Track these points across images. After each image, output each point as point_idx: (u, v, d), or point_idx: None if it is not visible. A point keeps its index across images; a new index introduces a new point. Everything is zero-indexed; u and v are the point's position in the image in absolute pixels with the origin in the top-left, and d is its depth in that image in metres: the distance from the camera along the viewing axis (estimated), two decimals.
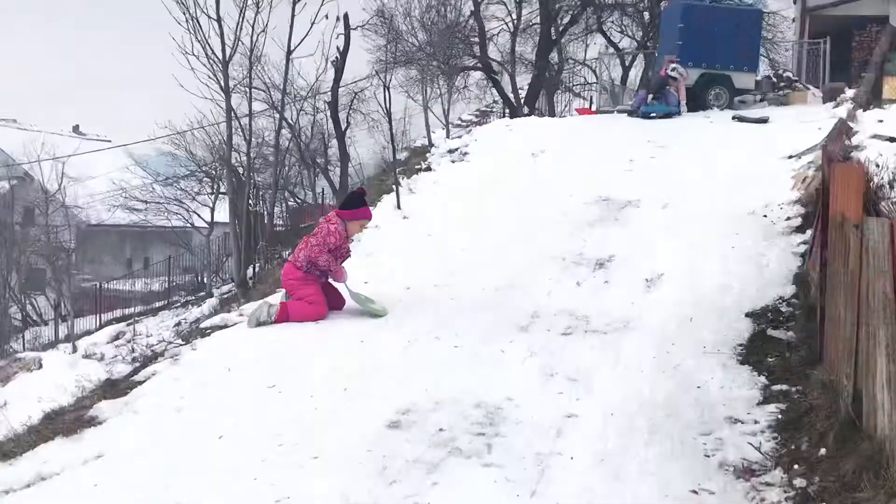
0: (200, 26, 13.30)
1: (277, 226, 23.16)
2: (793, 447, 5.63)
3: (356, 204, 9.68)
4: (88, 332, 20.76)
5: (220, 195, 30.64)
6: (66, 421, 7.14)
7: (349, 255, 9.61)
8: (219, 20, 13.28)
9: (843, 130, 9.95)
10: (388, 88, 17.36)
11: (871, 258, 5.00)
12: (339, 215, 9.53)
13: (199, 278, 31.10)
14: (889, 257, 4.59)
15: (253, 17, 13.60)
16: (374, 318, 8.94)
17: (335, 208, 10.13)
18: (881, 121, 9.76)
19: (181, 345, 8.96)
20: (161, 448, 6.20)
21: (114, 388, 7.95)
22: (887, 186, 6.51)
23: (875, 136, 8.88)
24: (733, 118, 19.31)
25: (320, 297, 9.13)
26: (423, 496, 5.21)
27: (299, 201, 26.64)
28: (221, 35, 13.35)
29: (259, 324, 8.87)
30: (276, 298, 9.36)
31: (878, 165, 7.22)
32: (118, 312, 27.17)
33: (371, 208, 10.13)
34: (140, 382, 7.72)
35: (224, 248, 30.02)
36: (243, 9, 13.44)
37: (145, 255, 40.13)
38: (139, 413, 6.92)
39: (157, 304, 26.73)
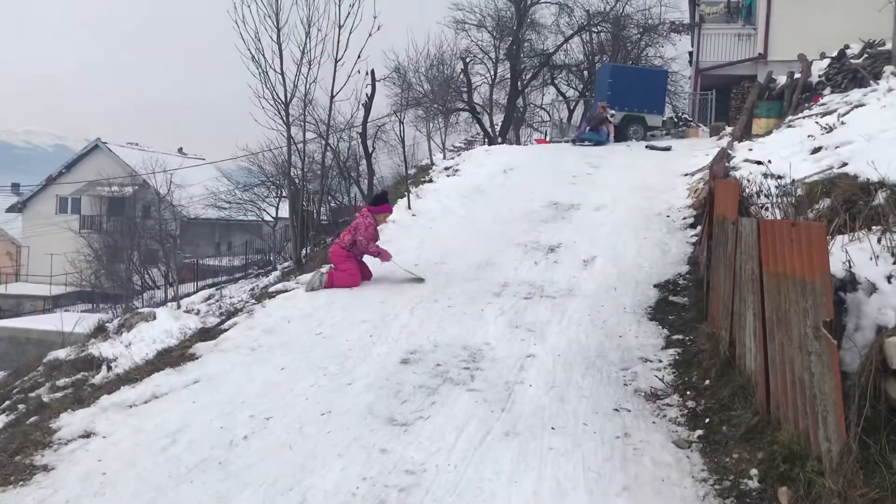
0: (269, 78, 13.23)
1: (323, 220, 23.04)
2: (686, 379, 5.65)
3: (380, 202, 9.74)
4: (188, 294, 20.62)
5: (282, 198, 30.58)
6: (173, 356, 7.11)
7: (378, 238, 9.61)
8: (282, 74, 13.21)
9: (724, 156, 9.92)
10: (403, 123, 17.35)
11: (744, 246, 5.01)
12: (368, 210, 9.53)
13: (267, 257, 31.00)
14: (756, 246, 4.60)
15: (307, 72, 13.47)
16: (415, 282, 8.88)
17: (366, 205, 10.08)
18: (751, 149, 9.71)
19: (254, 303, 8.92)
20: (240, 376, 6.20)
21: (206, 334, 7.91)
22: (755, 195, 6.49)
23: (746, 160, 8.84)
24: (646, 147, 19.25)
25: (356, 269, 9.09)
26: (425, 411, 5.22)
27: (338, 203, 26.54)
28: (284, 84, 13.26)
29: (313, 289, 8.83)
30: (325, 270, 9.31)
31: (748, 181, 7.20)
32: (209, 280, 27.11)
33: (391, 205, 10.12)
34: (225, 330, 7.68)
35: (285, 236, 29.93)
36: (300, 66, 13.34)
37: (228, 240, 40.01)
38: (224, 351, 6.90)
39: (237, 275, 26.59)
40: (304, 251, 14.86)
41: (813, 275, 3.62)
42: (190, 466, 4.60)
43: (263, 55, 13.20)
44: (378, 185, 23.93)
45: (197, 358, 6.79)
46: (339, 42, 13.76)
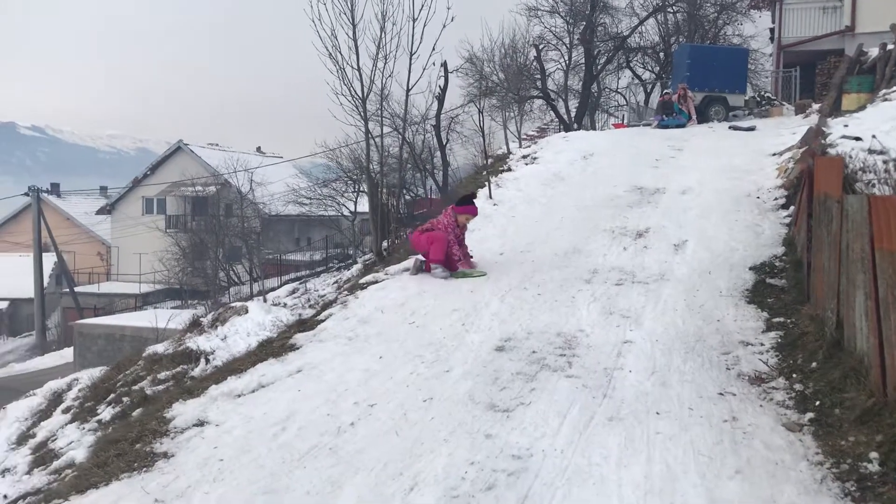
0: (346, 74, 13.34)
1: (400, 213, 23.33)
2: (791, 362, 5.54)
3: (465, 202, 9.63)
4: (273, 289, 21.17)
5: (360, 192, 31.00)
6: (274, 347, 7.34)
7: (463, 237, 9.47)
8: (359, 70, 13.31)
9: (818, 132, 9.62)
10: (482, 112, 17.33)
11: (851, 224, 4.87)
12: (453, 209, 9.53)
13: (346, 251, 31.54)
14: (866, 223, 4.47)
15: (382, 67, 13.59)
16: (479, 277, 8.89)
17: (453, 205, 10.02)
18: (846, 125, 9.38)
19: (347, 295, 9.10)
20: (340, 365, 6.35)
21: (304, 325, 8.13)
22: (858, 172, 6.30)
23: (844, 137, 8.55)
24: (730, 127, 18.80)
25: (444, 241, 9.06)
26: (525, 397, 5.26)
27: (414, 195, 26.79)
28: (361, 80, 13.35)
29: (418, 271, 9.05)
30: (411, 262, 9.41)
31: (850, 157, 6.98)
32: (292, 275, 27.78)
33: (475, 207, 9.87)
34: (321, 321, 7.88)
35: (363, 230, 30.38)
36: (375, 61, 13.43)
37: (308, 235, 40.84)
38: (323, 341, 7.09)
39: (318, 269, 27.17)
40: (384, 244, 15.07)
41: None
42: (302, 452, 4.76)
43: (340, 52, 13.39)
44: (453, 176, 24.03)
45: (297, 348, 7.00)
46: (413, 35, 13.86)
